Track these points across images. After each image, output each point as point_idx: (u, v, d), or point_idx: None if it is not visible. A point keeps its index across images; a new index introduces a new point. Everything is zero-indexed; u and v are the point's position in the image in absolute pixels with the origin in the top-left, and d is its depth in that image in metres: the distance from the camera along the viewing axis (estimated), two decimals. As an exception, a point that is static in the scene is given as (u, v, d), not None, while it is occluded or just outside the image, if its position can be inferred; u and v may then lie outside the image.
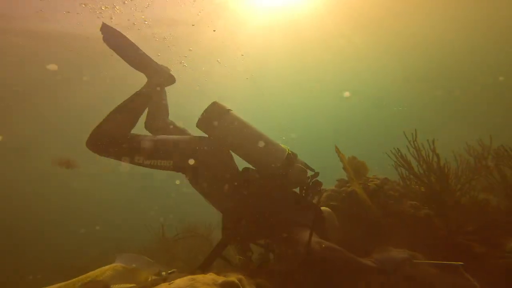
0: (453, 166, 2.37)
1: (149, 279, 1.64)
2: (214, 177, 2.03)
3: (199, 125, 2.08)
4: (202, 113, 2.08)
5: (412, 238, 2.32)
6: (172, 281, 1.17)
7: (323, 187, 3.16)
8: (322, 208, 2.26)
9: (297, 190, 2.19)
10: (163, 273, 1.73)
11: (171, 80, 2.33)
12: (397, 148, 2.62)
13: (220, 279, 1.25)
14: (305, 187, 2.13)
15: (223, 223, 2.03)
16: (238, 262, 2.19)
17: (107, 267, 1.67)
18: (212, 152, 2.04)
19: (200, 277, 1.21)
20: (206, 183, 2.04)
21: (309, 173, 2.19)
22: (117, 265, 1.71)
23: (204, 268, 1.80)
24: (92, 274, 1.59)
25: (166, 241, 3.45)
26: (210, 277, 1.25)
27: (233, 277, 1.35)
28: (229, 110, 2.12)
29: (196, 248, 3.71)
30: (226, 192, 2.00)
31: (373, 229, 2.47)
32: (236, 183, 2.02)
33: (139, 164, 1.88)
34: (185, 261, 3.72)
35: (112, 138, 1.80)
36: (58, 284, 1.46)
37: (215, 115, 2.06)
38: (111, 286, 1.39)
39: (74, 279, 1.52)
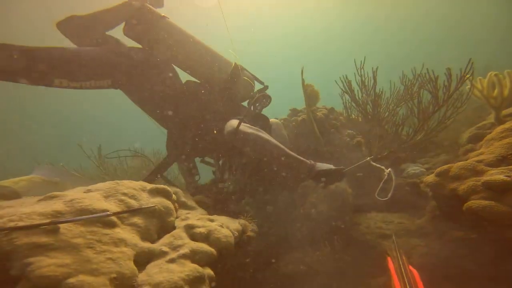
0: (387, 95, 2.54)
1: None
2: (155, 91, 1.91)
3: (128, 32, 1.85)
4: (130, 19, 1.83)
5: (343, 163, 2.60)
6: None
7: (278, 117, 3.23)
8: (271, 119, 2.34)
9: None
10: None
11: None
12: (345, 75, 2.67)
13: (149, 185, 1.27)
14: (253, 100, 2.13)
15: (167, 139, 2.03)
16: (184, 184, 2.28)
17: (22, 177, 1.57)
18: (151, 64, 1.85)
19: (126, 181, 1.19)
20: (147, 96, 1.92)
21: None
22: (35, 176, 1.63)
23: (148, 180, 1.84)
24: (7, 182, 1.48)
25: (105, 165, 3.30)
26: (139, 183, 1.26)
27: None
28: (163, 16, 1.93)
29: (140, 173, 3.39)
30: (170, 107, 1.94)
31: (314, 156, 2.69)
32: (179, 98, 1.96)
33: (63, 87, 1.60)
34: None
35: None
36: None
37: (148, 22, 1.83)
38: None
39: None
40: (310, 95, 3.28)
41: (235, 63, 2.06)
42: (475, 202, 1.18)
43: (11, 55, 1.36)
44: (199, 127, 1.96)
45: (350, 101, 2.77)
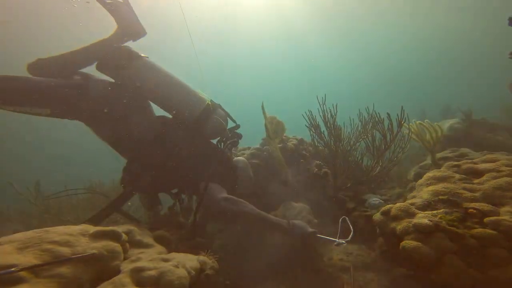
0: (348, 129, 2.75)
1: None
2: (126, 123, 1.93)
3: (101, 67, 1.94)
4: (106, 56, 1.92)
5: (311, 194, 2.72)
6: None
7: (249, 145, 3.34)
8: (239, 158, 2.44)
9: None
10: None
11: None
12: (310, 110, 2.87)
13: (94, 229, 1.21)
14: (224, 139, 2.21)
15: (126, 171, 1.99)
16: (146, 218, 2.25)
17: None
18: (116, 96, 1.89)
19: (60, 228, 1.13)
20: (110, 131, 1.94)
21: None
22: None
23: (94, 221, 1.78)
24: None
25: (45, 201, 2.73)
26: (79, 227, 1.20)
27: (120, 228, 1.33)
28: (141, 55, 2.04)
29: (92, 207, 2.89)
30: (136, 138, 1.97)
31: (283, 186, 2.80)
32: (147, 132, 2.00)
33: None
34: (73, 222, 2.87)
35: None
36: None
37: (124, 58, 1.93)
38: None
39: None
40: (276, 126, 3.46)
41: (207, 103, 2.15)
42: (408, 242, 1.31)
43: None
44: (163, 162, 1.98)
45: (315, 135, 2.96)
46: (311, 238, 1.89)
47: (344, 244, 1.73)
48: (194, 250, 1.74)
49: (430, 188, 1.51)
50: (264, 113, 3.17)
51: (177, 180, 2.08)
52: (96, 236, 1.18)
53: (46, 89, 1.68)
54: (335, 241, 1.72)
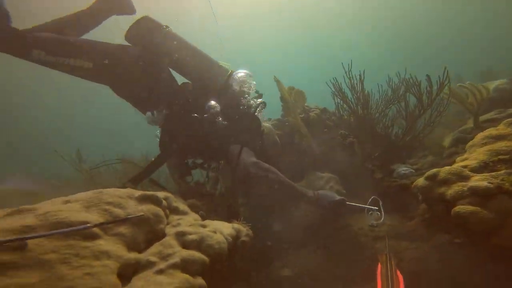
0: (376, 96, 2.59)
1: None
2: (147, 88, 1.95)
3: (129, 37, 1.98)
4: (132, 25, 1.97)
5: (336, 164, 2.64)
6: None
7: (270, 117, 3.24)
8: (264, 124, 2.37)
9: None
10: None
11: None
12: (335, 78, 2.70)
13: (138, 192, 1.23)
14: (245, 106, 2.20)
15: (160, 139, 2.04)
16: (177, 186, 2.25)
17: None
18: (146, 61, 1.93)
19: (111, 190, 1.16)
20: (132, 93, 1.99)
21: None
22: (7, 187, 1.55)
23: (134, 182, 1.84)
24: None
25: (86, 170, 2.95)
26: (125, 190, 1.21)
27: (158, 194, 1.31)
28: (165, 26, 2.06)
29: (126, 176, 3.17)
30: (164, 105, 1.99)
31: (307, 156, 2.72)
32: (173, 97, 2.00)
33: (40, 61, 1.65)
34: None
35: None
36: None
37: (150, 28, 1.98)
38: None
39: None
40: (296, 96, 3.30)
41: (230, 71, 2.15)
42: (462, 207, 1.21)
43: None
44: (193, 127, 1.97)
45: (341, 102, 2.81)
46: (340, 206, 1.83)
47: (377, 213, 1.67)
48: (224, 220, 1.72)
49: (487, 148, 1.38)
50: (279, 84, 3.01)
51: (208, 145, 2.03)
52: (141, 199, 1.17)
53: (95, 45, 1.77)
54: (367, 208, 1.65)
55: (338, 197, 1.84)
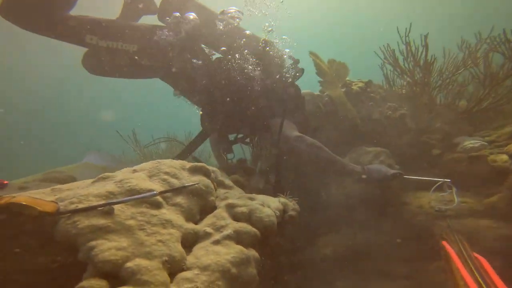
0: (440, 62, 2.23)
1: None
2: (185, 67, 1.96)
3: (163, 15, 1.97)
4: (163, 1, 1.98)
5: (385, 138, 2.40)
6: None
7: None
8: (304, 91, 2.26)
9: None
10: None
11: None
12: (388, 44, 2.39)
13: (189, 164, 1.27)
14: (284, 74, 2.11)
15: (202, 115, 2.07)
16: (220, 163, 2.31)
17: (79, 164, 1.71)
18: (181, 41, 1.91)
19: (167, 160, 1.21)
20: (178, 72, 1.98)
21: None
22: (87, 162, 1.76)
23: (180, 157, 1.94)
24: (64, 168, 1.63)
25: (141, 149, 3.35)
26: (178, 162, 1.28)
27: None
28: None
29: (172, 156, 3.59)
30: (201, 84, 1.98)
31: (351, 129, 2.54)
32: (211, 73, 1.99)
33: (91, 46, 1.75)
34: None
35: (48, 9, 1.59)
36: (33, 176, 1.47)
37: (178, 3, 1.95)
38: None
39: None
40: (337, 69, 3.04)
41: (263, 39, 2.03)
42: None
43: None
44: (232, 102, 1.95)
45: (392, 71, 2.49)
46: (395, 180, 1.64)
47: (446, 191, 1.45)
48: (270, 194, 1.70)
49: None
50: (316, 58, 2.78)
51: (249, 117, 2.00)
52: (193, 170, 1.21)
53: (138, 28, 1.81)
54: (436, 185, 1.44)
55: (392, 171, 1.67)
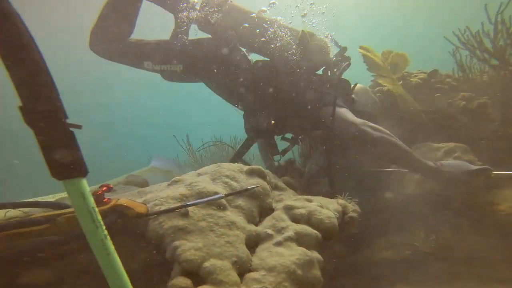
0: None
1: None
2: (229, 73, 1.95)
3: (204, 27, 1.96)
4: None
5: (458, 132, 2.11)
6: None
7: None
8: (356, 84, 2.10)
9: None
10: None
11: None
12: (467, 26, 2.06)
13: (246, 167, 1.30)
14: (329, 66, 1.99)
15: (245, 121, 2.08)
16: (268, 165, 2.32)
17: (146, 168, 1.92)
18: (220, 48, 1.91)
19: (226, 164, 1.26)
20: (221, 80, 2.01)
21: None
22: (154, 167, 1.96)
23: (232, 161, 1.98)
24: (135, 172, 1.85)
25: (193, 153, 3.66)
26: (236, 165, 1.30)
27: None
28: (227, 1, 1.94)
29: (223, 159, 3.80)
30: (244, 88, 1.97)
31: (413, 123, 2.29)
32: (252, 77, 1.95)
33: (147, 69, 1.90)
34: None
35: (115, 39, 1.80)
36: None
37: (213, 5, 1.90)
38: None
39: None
40: (394, 60, 2.76)
41: (302, 31, 1.91)
42: None
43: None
44: (275, 103, 1.92)
45: (470, 57, 2.14)
46: (481, 177, 1.41)
47: None
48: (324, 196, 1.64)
49: None
50: (367, 53, 2.56)
51: (297, 117, 1.96)
52: (249, 173, 1.23)
53: (174, 48, 1.86)
54: None
55: (476, 166, 1.44)
